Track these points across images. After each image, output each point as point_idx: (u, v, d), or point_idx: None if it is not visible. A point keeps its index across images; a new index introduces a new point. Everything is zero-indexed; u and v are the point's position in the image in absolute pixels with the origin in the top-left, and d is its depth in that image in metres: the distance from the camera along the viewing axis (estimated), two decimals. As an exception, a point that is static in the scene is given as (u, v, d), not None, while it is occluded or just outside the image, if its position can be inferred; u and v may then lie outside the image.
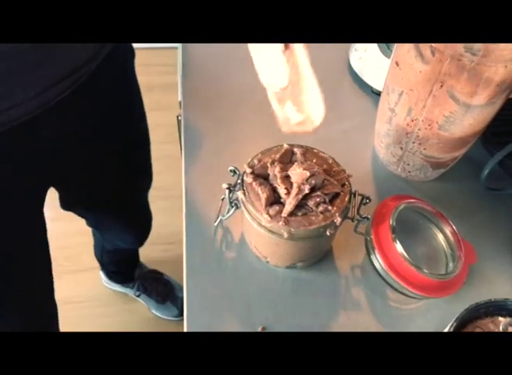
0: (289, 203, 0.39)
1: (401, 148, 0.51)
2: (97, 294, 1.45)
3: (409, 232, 0.47)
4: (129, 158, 0.77)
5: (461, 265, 0.44)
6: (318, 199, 0.40)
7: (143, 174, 0.89)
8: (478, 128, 0.47)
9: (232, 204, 0.45)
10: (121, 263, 1.30)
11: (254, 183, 0.41)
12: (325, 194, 0.41)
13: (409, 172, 0.54)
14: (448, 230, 0.46)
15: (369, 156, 0.58)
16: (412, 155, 0.51)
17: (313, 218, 0.40)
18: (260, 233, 0.42)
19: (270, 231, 0.41)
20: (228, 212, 0.46)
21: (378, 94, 0.60)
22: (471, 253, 0.47)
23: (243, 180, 0.42)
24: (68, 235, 1.30)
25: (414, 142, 0.49)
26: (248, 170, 0.42)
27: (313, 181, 0.40)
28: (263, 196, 0.40)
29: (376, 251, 0.44)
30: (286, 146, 0.44)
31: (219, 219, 0.48)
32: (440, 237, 0.47)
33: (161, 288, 1.42)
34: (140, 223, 1.03)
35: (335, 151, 0.57)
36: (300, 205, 0.41)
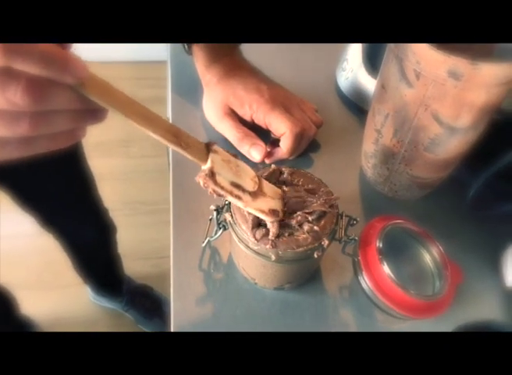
0: (273, 226, 0.39)
1: (388, 169, 0.52)
2: (84, 309, 1.43)
3: (396, 252, 0.47)
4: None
5: (448, 285, 0.44)
6: (299, 218, 0.41)
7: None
8: (463, 150, 0.47)
9: (220, 225, 0.45)
10: (99, 267, 1.28)
11: None
12: (308, 213, 0.41)
13: (396, 191, 0.55)
14: (434, 251, 0.47)
15: (356, 175, 0.59)
16: (398, 176, 0.52)
17: (300, 240, 0.40)
18: (247, 255, 0.42)
19: (257, 253, 0.41)
20: (216, 234, 0.46)
21: (364, 112, 0.60)
22: (458, 273, 0.47)
23: (230, 202, 0.42)
24: (54, 250, 1.28)
25: (400, 163, 0.50)
26: None
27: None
28: (249, 218, 0.40)
29: (363, 273, 0.45)
30: (273, 167, 0.45)
31: (207, 240, 0.47)
32: (427, 257, 0.48)
33: (149, 304, 1.41)
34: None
35: (322, 171, 0.58)
36: (285, 225, 0.41)
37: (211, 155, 0.36)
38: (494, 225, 0.54)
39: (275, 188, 0.42)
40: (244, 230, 0.40)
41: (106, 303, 1.40)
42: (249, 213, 0.41)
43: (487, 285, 0.50)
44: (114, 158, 1.82)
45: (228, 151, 0.39)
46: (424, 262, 0.48)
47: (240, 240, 0.41)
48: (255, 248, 0.40)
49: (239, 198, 0.38)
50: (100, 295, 1.39)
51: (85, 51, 0.31)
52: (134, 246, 1.55)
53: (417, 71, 0.42)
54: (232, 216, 0.41)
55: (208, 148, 0.37)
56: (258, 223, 0.40)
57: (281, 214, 0.40)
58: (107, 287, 1.36)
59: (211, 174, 0.35)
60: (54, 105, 0.27)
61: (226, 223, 0.43)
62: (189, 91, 0.64)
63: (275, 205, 0.41)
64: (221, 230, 0.45)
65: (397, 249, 0.47)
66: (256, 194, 0.39)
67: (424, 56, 0.40)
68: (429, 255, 0.47)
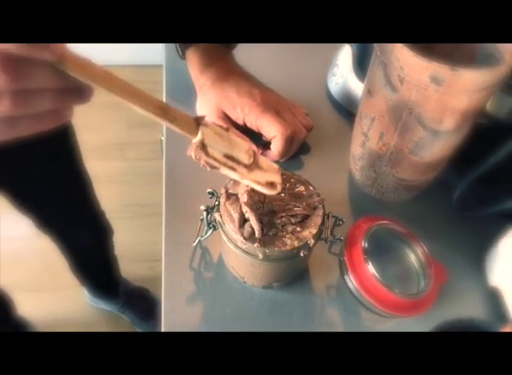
0: (254, 224, 0.41)
1: (375, 171, 0.53)
2: (81, 311, 1.44)
3: (381, 252, 0.48)
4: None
5: (432, 284, 0.46)
6: (283, 219, 0.42)
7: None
8: (447, 153, 0.49)
9: (210, 225, 0.46)
10: (96, 269, 1.29)
11: (226, 203, 0.43)
12: (291, 216, 0.43)
13: (383, 193, 0.56)
14: (419, 251, 0.48)
15: (345, 178, 0.60)
16: (385, 178, 0.53)
17: (287, 240, 0.41)
18: (236, 254, 0.43)
19: (246, 252, 0.42)
20: (206, 234, 0.47)
21: (354, 116, 0.62)
22: (442, 273, 0.49)
23: (219, 203, 0.44)
24: (52, 252, 1.30)
25: (386, 165, 0.51)
26: (223, 191, 0.44)
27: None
28: (235, 216, 0.42)
29: (349, 272, 0.46)
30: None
31: (198, 239, 0.49)
32: (412, 257, 0.49)
33: (145, 306, 1.41)
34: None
35: (312, 173, 0.59)
36: (271, 225, 0.42)
37: (202, 128, 0.36)
38: (479, 226, 0.55)
39: (272, 163, 0.42)
40: (232, 228, 0.42)
41: (103, 305, 1.41)
42: (234, 211, 0.42)
43: (471, 284, 0.52)
44: (111, 161, 1.83)
45: (220, 126, 0.38)
46: (409, 262, 0.49)
47: (229, 239, 0.43)
48: (243, 246, 0.42)
49: (234, 169, 0.37)
50: (96, 297, 1.40)
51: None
52: (131, 248, 1.56)
53: (400, 76, 0.43)
54: (221, 216, 0.43)
55: (197, 122, 0.36)
56: (244, 222, 0.42)
57: (279, 187, 0.40)
58: (103, 289, 1.37)
59: (203, 146, 0.35)
60: (34, 83, 0.27)
61: (216, 223, 0.45)
62: (183, 95, 0.65)
63: (273, 178, 0.40)
64: (211, 230, 0.46)
65: (383, 249, 0.49)
66: (251, 167, 0.39)
67: (407, 62, 0.42)
68: (414, 255, 0.48)
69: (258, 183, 0.38)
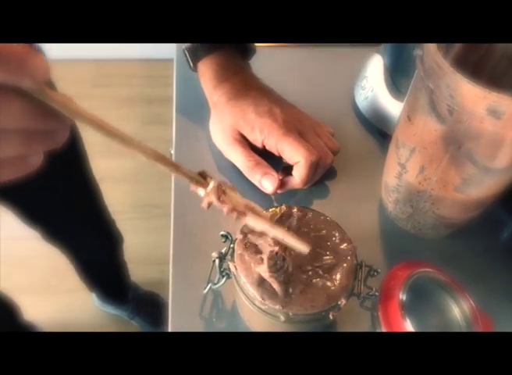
0: (273, 283, 0.35)
1: (411, 206, 0.47)
2: (90, 315, 1.41)
3: (420, 304, 0.42)
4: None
5: (479, 345, 0.39)
6: (310, 273, 0.36)
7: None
8: (499, 190, 0.42)
9: (224, 273, 0.40)
10: (105, 277, 1.26)
11: (246, 255, 0.37)
12: (318, 267, 0.37)
13: (419, 229, 0.50)
14: (464, 304, 0.41)
15: (376, 208, 0.53)
16: (423, 214, 0.47)
17: (314, 300, 0.35)
18: (253, 311, 0.37)
19: (265, 312, 0.36)
20: (218, 282, 0.41)
21: (385, 136, 0.55)
22: (488, 327, 0.42)
23: (234, 250, 0.38)
24: (60, 254, 1.28)
25: (426, 201, 0.45)
26: (240, 237, 0.38)
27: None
28: (255, 272, 0.36)
29: (383, 329, 0.40)
30: (284, 208, 0.40)
31: (209, 286, 0.43)
32: (455, 310, 0.42)
33: (155, 311, 1.38)
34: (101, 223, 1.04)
35: (339, 201, 0.53)
36: (296, 280, 0.36)
37: (210, 180, 0.31)
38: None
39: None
40: (250, 284, 0.36)
41: (112, 310, 1.38)
42: (255, 265, 0.36)
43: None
44: (125, 159, 1.78)
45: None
46: (452, 315, 0.43)
47: (245, 295, 0.37)
48: (262, 307, 0.36)
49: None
50: (105, 302, 1.37)
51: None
52: (144, 251, 1.51)
53: (450, 106, 0.36)
54: (236, 267, 0.37)
55: (203, 175, 0.32)
56: (264, 279, 0.36)
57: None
58: (112, 295, 1.34)
59: (223, 192, 0.31)
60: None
61: (230, 272, 0.39)
62: (195, 110, 0.59)
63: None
64: (224, 279, 0.41)
65: (422, 301, 0.42)
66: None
67: (459, 90, 0.35)
68: (458, 309, 0.42)
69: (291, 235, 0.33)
